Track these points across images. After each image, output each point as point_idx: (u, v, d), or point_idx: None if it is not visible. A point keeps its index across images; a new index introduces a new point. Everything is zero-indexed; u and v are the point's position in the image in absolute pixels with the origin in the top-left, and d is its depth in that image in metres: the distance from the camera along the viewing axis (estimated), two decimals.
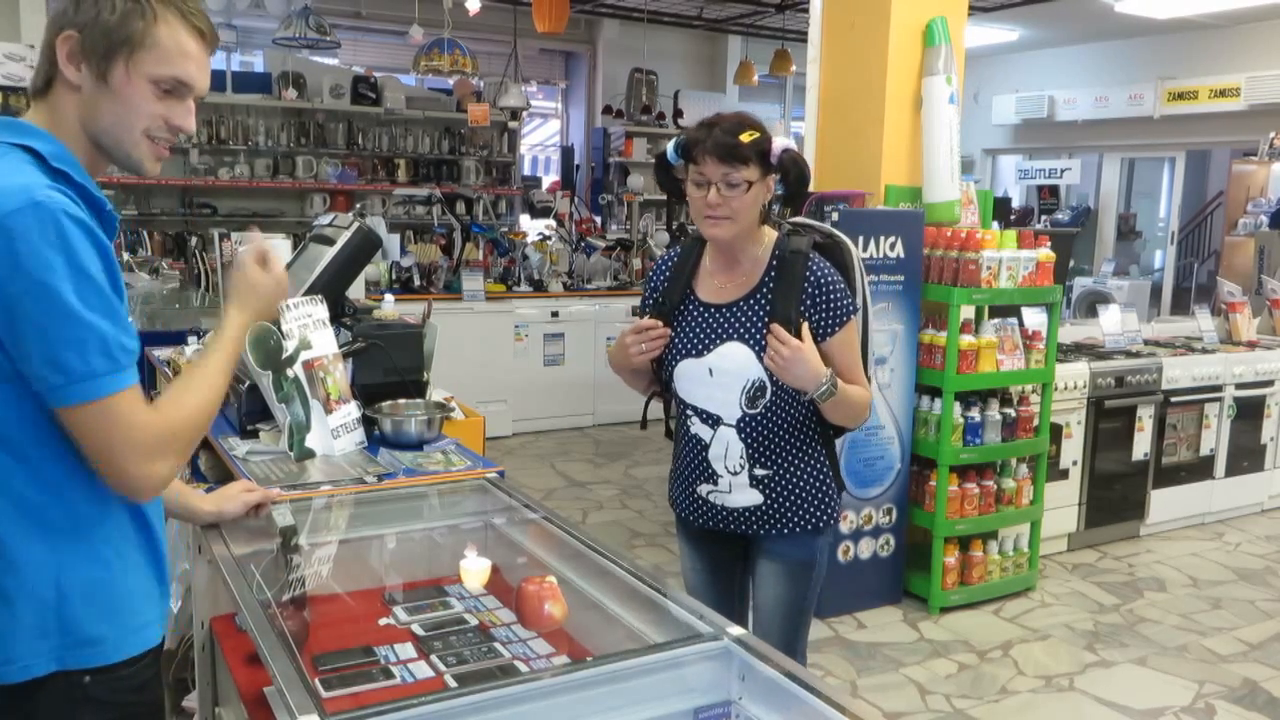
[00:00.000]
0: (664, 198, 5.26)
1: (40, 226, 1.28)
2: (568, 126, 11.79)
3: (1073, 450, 4.95)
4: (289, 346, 2.47)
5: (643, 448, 6.68)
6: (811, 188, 4.67)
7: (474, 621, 1.69)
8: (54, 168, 1.37)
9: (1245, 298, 6.12)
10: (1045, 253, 4.30)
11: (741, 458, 2.20)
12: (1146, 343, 5.63)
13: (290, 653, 1.40)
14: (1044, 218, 11.45)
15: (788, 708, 1.41)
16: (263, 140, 8.92)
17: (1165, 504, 5.33)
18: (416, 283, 6.71)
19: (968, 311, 4.24)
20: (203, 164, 8.70)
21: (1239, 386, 5.48)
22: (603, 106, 10.72)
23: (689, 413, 2.26)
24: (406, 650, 1.55)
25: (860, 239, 4.00)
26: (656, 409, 2.41)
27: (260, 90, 8.85)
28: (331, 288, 2.81)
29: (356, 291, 3.59)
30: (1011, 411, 4.31)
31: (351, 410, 2.59)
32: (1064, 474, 4.93)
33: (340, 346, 2.65)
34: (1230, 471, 5.54)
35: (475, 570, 1.67)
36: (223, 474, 2.63)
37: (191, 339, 3.52)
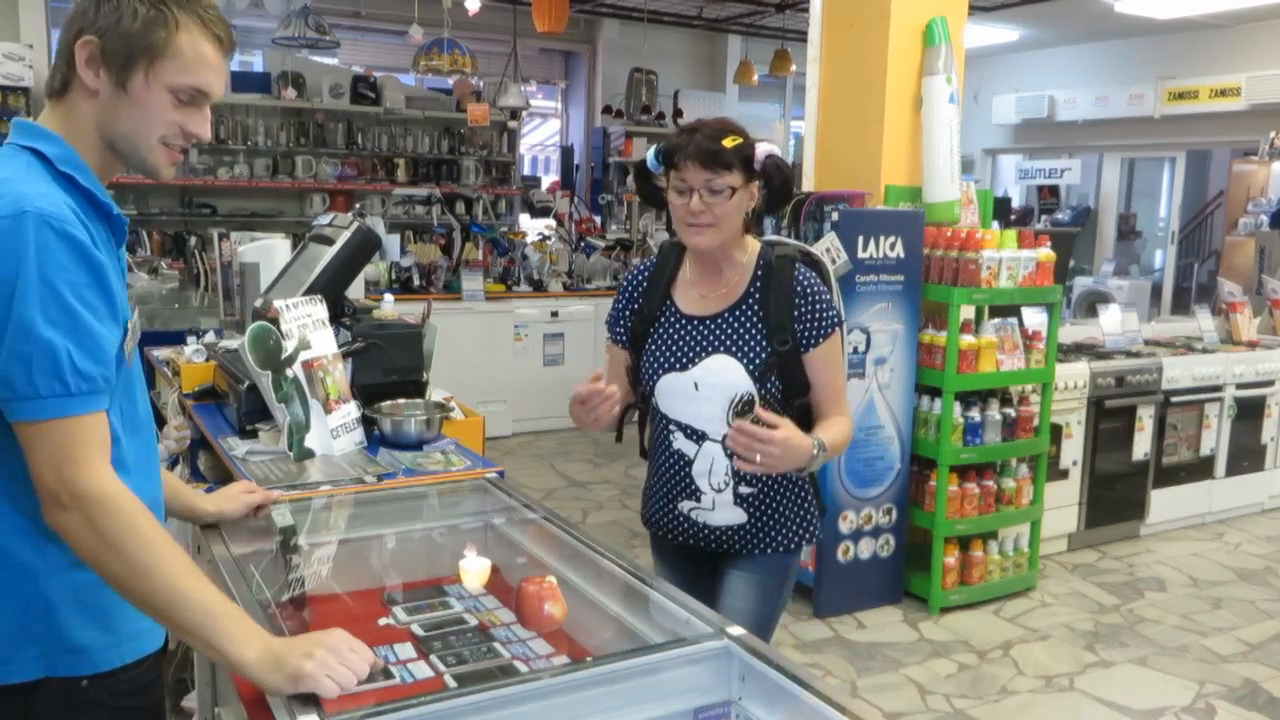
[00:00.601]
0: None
1: (19, 236, 1.26)
2: (567, 126, 11.79)
3: (1073, 450, 4.95)
4: (288, 346, 2.46)
5: None
6: (812, 188, 4.69)
7: (474, 621, 1.69)
8: (60, 171, 1.36)
9: (1245, 298, 6.12)
10: (1045, 253, 4.30)
11: (726, 474, 2.12)
12: (1147, 343, 5.62)
13: None
14: (1044, 218, 11.45)
15: (788, 708, 1.40)
16: (262, 140, 8.92)
17: (1165, 504, 5.33)
18: (416, 283, 6.71)
19: (968, 311, 4.24)
20: (202, 164, 8.70)
21: (1239, 386, 5.48)
22: (602, 106, 10.73)
23: (671, 428, 2.17)
24: (406, 650, 1.54)
25: (860, 239, 4.00)
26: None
27: (260, 90, 8.85)
28: (331, 288, 2.81)
29: (356, 291, 3.58)
30: (1011, 411, 4.31)
31: (351, 410, 2.59)
32: (1064, 474, 4.93)
33: (340, 346, 2.65)
34: (1230, 471, 5.54)
35: (475, 570, 1.67)
36: (222, 474, 2.62)
37: (190, 339, 3.51)
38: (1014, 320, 4.34)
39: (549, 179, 11.54)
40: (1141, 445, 5.15)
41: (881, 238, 4.06)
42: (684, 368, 2.12)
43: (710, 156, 2.00)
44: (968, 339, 4.15)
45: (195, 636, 1.31)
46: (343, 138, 9.28)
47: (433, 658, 1.53)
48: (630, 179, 10.08)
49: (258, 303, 2.81)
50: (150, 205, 8.60)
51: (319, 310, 2.60)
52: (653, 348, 2.16)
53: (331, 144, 9.24)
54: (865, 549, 4.22)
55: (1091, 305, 9.32)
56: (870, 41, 4.42)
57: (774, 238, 2.30)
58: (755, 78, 10.58)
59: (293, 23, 7.52)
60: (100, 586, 1.39)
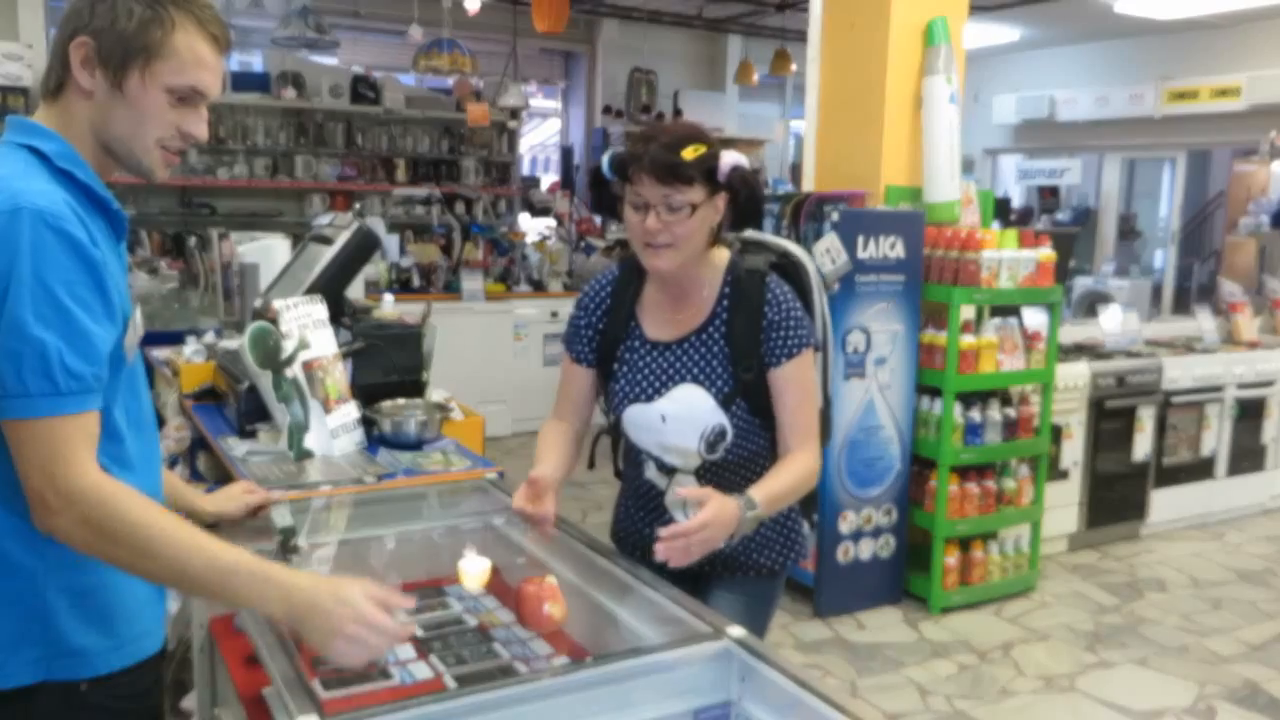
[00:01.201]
0: None
1: (13, 233, 1.25)
2: (567, 126, 11.78)
3: (1073, 450, 4.95)
4: (288, 346, 2.46)
5: None
6: (812, 188, 4.69)
7: (473, 622, 1.69)
8: (58, 167, 1.35)
9: (1246, 298, 6.11)
10: (1045, 253, 4.30)
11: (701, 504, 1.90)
12: (1147, 343, 5.62)
13: (289, 654, 1.40)
14: (1044, 218, 11.45)
15: (788, 708, 1.40)
16: (261, 140, 8.92)
17: (1166, 504, 5.32)
18: (416, 283, 6.71)
19: (968, 311, 4.23)
20: (201, 164, 8.69)
21: (1240, 387, 5.47)
22: (602, 106, 10.72)
23: (643, 456, 2.01)
24: (406, 651, 1.54)
25: (860, 239, 4.00)
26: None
27: (259, 90, 8.84)
28: (331, 288, 2.81)
29: (356, 291, 3.58)
30: (1012, 412, 4.31)
31: (351, 410, 2.58)
32: (1064, 474, 4.93)
33: (339, 346, 2.65)
34: (1231, 472, 5.54)
35: (475, 571, 1.66)
36: (222, 474, 2.62)
37: (190, 339, 3.50)
38: (1014, 320, 4.34)
39: (549, 179, 11.54)
40: (1142, 446, 5.15)
41: (881, 238, 4.05)
42: (649, 399, 1.94)
43: (668, 170, 1.78)
44: (968, 339, 4.15)
45: (219, 600, 1.37)
46: (342, 138, 9.28)
47: (433, 658, 1.53)
48: None
49: (257, 303, 2.81)
50: (150, 205, 8.60)
51: (319, 310, 2.59)
52: (618, 376, 1.98)
53: (331, 144, 9.23)
54: (865, 549, 4.22)
55: (1092, 305, 9.31)
56: (870, 41, 4.42)
57: (754, 235, 2.08)
58: (755, 78, 10.57)
59: (292, 22, 7.52)
60: (99, 590, 1.39)
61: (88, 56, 1.36)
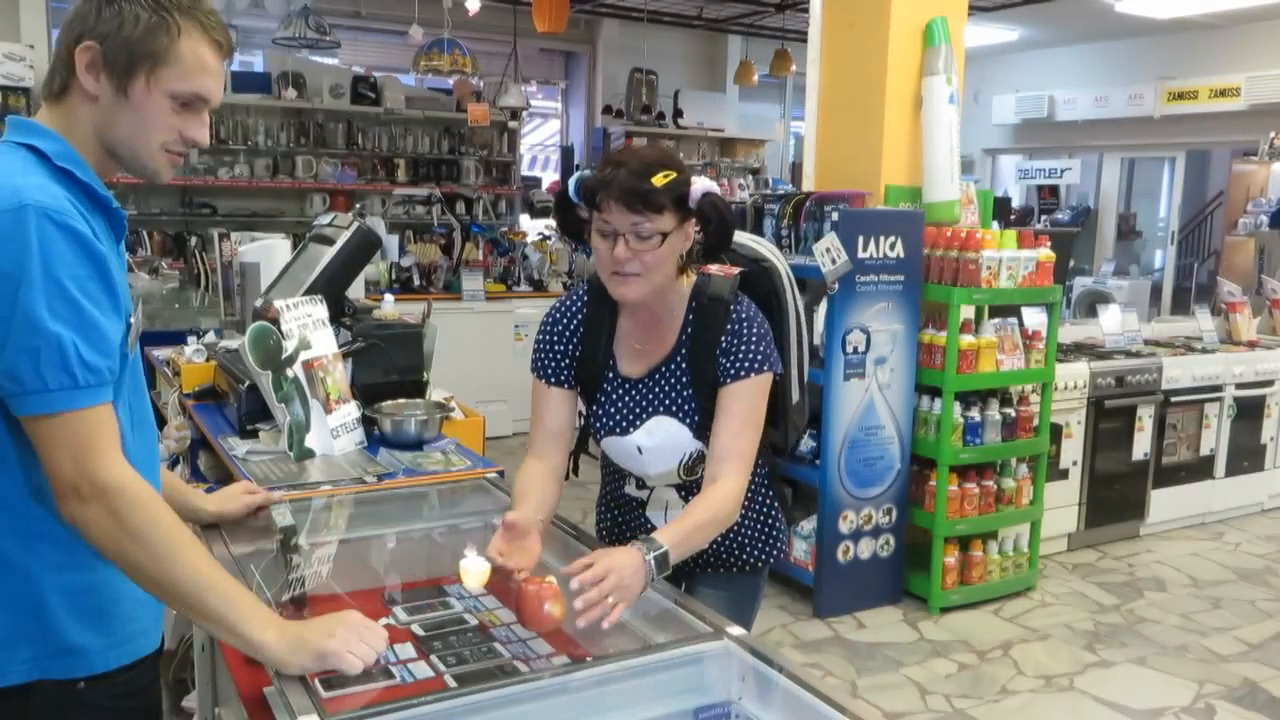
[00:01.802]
0: None
1: (21, 229, 1.26)
2: (568, 126, 11.78)
3: (1073, 450, 4.95)
4: (288, 346, 2.47)
5: None
6: (812, 188, 4.69)
7: (474, 621, 1.69)
8: (58, 166, 1.35)
9: (1245, 298, 6.12)
10: (1045, 253, 4.30)
11: (681, 510, 1.93)
12: (1146, 343, 5.62)
13: None
14: (1044, 218, 11.45)
15: (788, 708, 1.41)
16: (262, 140, 8.92)
17: (1165, 504, 5.33)
18: (416, 283, 6.71)
19: (968, 311, 4.24)
20: (202, 164, 8.70)
21: (1239, 386, 5.47)
22: (603, 106, 10.72)
23: (622, 472, 2.03)
24: (406, 650, 1.54)
25: (860, 239, 4.00)
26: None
27: (260, 90, 8.85)
28: (331, 287, 2.81)
29: (356, 291, 3.59)
30: (1011, 411, 4.31)
31: (351, 410, 2.59)
32: (1064, 474, 4.93)
33: (340, 346, 2.65)
34: (1230, 471, 5.54)
35: (475, 570, 1.67)
36: (223, 474, 2.63)
37: (191, 339, 3.51)
38: (1014, 320, 4.34)
39: (549, 179, 11.54)
40: (1141, 445, 5.15)
41: (881, 238, 4.06)
42: (625, 431, 1.93)
43: (638, 198, 1.71)
44: (968, 339, 4.15)
45: (216, 621, 1.34)
46: (343, 138, 9.28)
47: (433, 658, 1.53)
48: None
49: (258, 303, 2.82)
50: (150, 205, 8.60)
51: (319, 310, 2.60)
52: (595, 407, 1.96)
53: (332, 144, 9.24)
54: (865, 549, 4.22)
55: (1091, 305, 9.31)
56: (870, 41, 4.42)
57: (737, 259, 1.99)
58: (755, 78, 10.58)
59: (293, 23, 7.52)
60: (96, 588, 1.40)
61: (93, 61, 1.36)
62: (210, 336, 3.58)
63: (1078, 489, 5.02)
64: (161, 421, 3.20)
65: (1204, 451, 5.42)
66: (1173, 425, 5.27)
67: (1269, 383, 5.59)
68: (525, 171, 11.15)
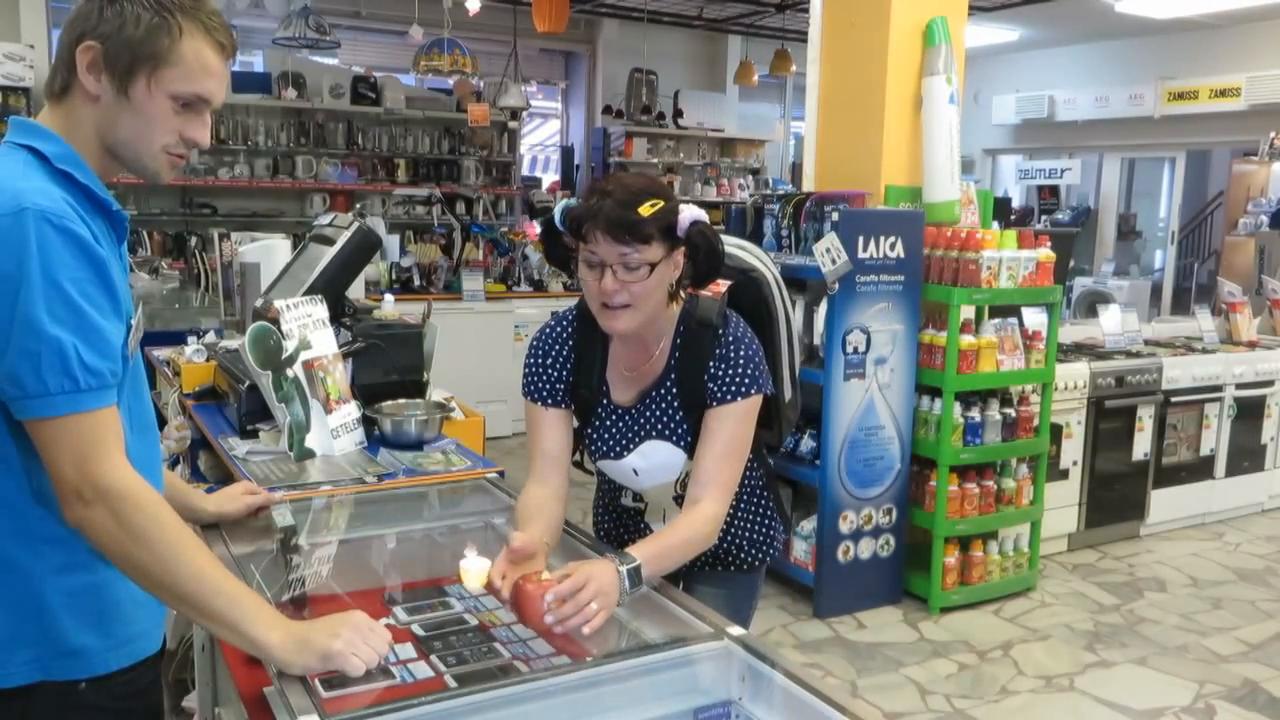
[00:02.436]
0: None
1: (20, 232, 1.25)
2: (568, 126, 11.78)
3: (1073, 450, 4.95)
4: (289, 346, 2.47)
5: None
6: (812, 188, 4.69)
7: (474, 621, 1.69)
8: (57, 168, 1.35)
9: (1245, 298, 6.12)
10: (1045, 253, 4.30)
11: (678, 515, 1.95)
12: (1147, 343, 5.63)
13: None
14: (1044, 218, 11.46)
15: (788, 708, 1.41)
16: (262, 140, 8.92)
17: (1165, 504, 5.33)
18: (416, 283, 6.72)
19: (968, 311, 4.24)
20: (202, 164, 8.69)
21: (1239, 386, 5.48)
22: (603, 106, 10.72)
23: (619, 485, 2.06)
24: (406, 650, 1.54)
25: (860, 239, 4.00)
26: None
27: (260, 90, 8.84)
28: (331, 288, 2.81)
29: (356, 291, 3.59)
30: (1011, 411, 4.31)
31: (351, 410, 2.59)
32: (1064, 474, 4.93)
33: (340, 346, 2.65)
34: (1230, 471, 5.54)
35: (475, 570, 1.67)
36: (223, 474, 2.63)
37: (191, 339, 3.51)
38: (1014, 320, 4.34)
39: (549, 179, 11.54)
40: (1141, 445, 5.15)
41: (881, 238, 4.06)
42: (619, 455, 1.95)
43: (625, 229, 1.68)
44: (968, 339, 4.15)
45: (220, 622, 1.34)
46: (343, 138, 9.28)
47: (433, 658, 1.53)
48: None
49: (258, 303, 2.82)
50: (151, 205, 8.60)
51: (319, 310, 2.60)
52: (589, 431, 1.98)
53: (332, 144, 9.24)
54: (865, 549, 4.22)
55: (1091, 305, 9.32)
56: (870, 41, 4.42)
57: (724, 270, 1.91)
58: (755, 78, 10.58)
59: (293, 23, 7.51)
60: (96, 590, 1.40)
61: (94, 61, 1.36)
62: (210, 336, 3.58)
63: (1078, 489, 5.02)
64: (162, 421, 3.20)
65: (1204, 452, 5.42)
66: (1173, 425, 5.27)
67: (1269, 383, 5.59)
68: (525, 172, 11.15)
